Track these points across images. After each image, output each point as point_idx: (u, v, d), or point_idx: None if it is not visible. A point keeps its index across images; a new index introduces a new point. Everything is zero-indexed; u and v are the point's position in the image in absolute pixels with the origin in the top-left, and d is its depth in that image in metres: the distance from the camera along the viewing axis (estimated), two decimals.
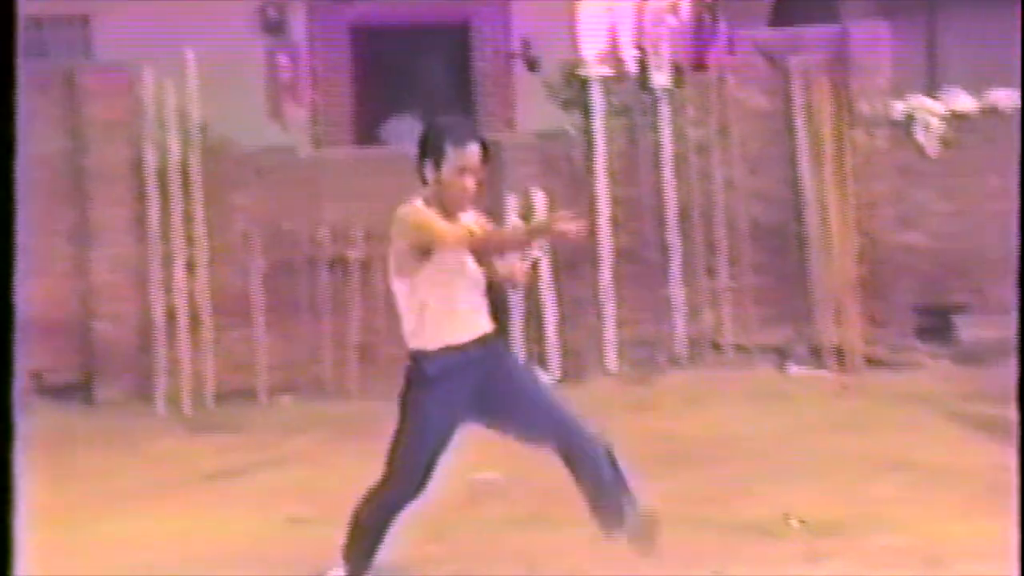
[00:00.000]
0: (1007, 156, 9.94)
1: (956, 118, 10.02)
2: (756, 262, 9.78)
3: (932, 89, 11.00)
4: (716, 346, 9.71)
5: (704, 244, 9.73)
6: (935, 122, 9.96)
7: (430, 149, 4.99)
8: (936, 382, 9.12)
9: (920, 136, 9.97)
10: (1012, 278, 10.16)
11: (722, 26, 9.65)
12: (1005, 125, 10.02)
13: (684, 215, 9.70)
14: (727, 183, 9.74)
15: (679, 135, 9.70)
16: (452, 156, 4.93)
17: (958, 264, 10.05)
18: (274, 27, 12.90)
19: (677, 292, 9.69)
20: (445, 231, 4.93)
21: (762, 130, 9.84)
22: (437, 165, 4.98)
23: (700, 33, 9.64)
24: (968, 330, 9.99)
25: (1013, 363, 9.25)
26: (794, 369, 9.51)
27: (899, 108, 9.95)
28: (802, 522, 6.29)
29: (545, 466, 7.31)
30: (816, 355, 9.63)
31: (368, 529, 5.23)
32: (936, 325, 10.01)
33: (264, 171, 9.61)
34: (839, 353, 9.63)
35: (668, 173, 9.68)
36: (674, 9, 9.57)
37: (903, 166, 9.97)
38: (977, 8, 12.12)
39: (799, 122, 9.79)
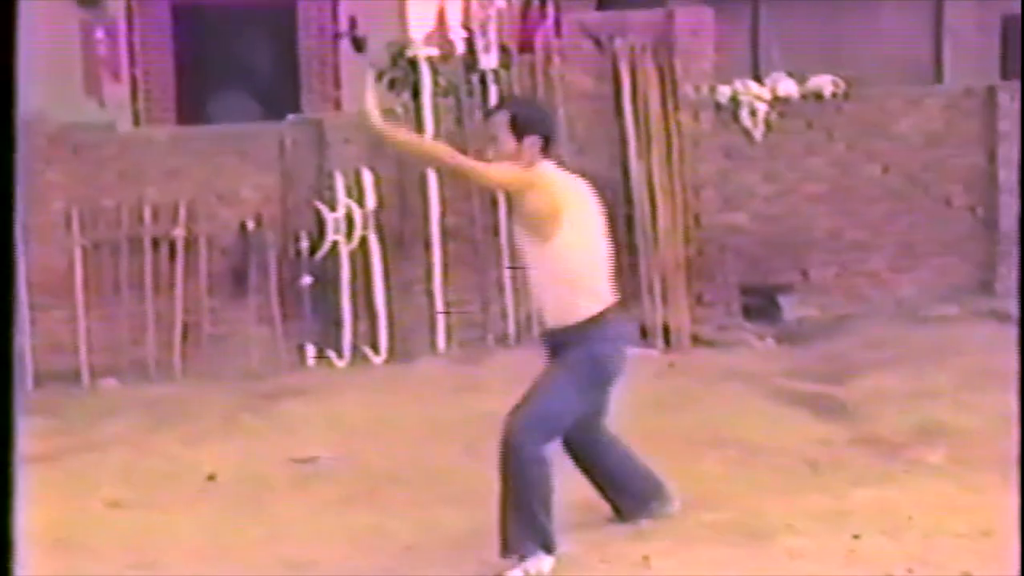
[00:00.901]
0: (828, 140, 10.23)
1: (779, 102, 10.16)
2: None
3: (756, 74, 11.17)
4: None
5: None
6: (760, 106, 10.09)
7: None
8: (760, 360, 9.26)
9: (745, 119, 10.09)
10: (834, 257, 10.40)
11: (549, 8, 9.67)
12: (826, 109, 10.23)
13: None
14: (555, 163, 9.74)
15: None
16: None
17: (782, 245, 10.23)
18: (89, 0, 12.57)
19: (506, 273, 9.69)
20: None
21: (589, 112, 9.89)
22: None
23: (527, 15, 9.65)
24: (792, 309, 10.18)
25: (835, 341, 9.51)
26: None
27: (724, 92, 10.07)
28: None
29: (373, 446, 7.33)
30: (644, 335, 9.70)
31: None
32: (761, 305, 10.17)
33: (81, 148, 9.38)
34: (666, 332, 9.73)
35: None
36: None
37: (728, 149, 10.11)
38: None
39: (626, 104, 9.85)
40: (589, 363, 5.54)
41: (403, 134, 6.27)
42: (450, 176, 6.44)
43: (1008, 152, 10.35)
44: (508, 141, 5.46)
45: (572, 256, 5.48)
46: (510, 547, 5.36)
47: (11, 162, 2.67)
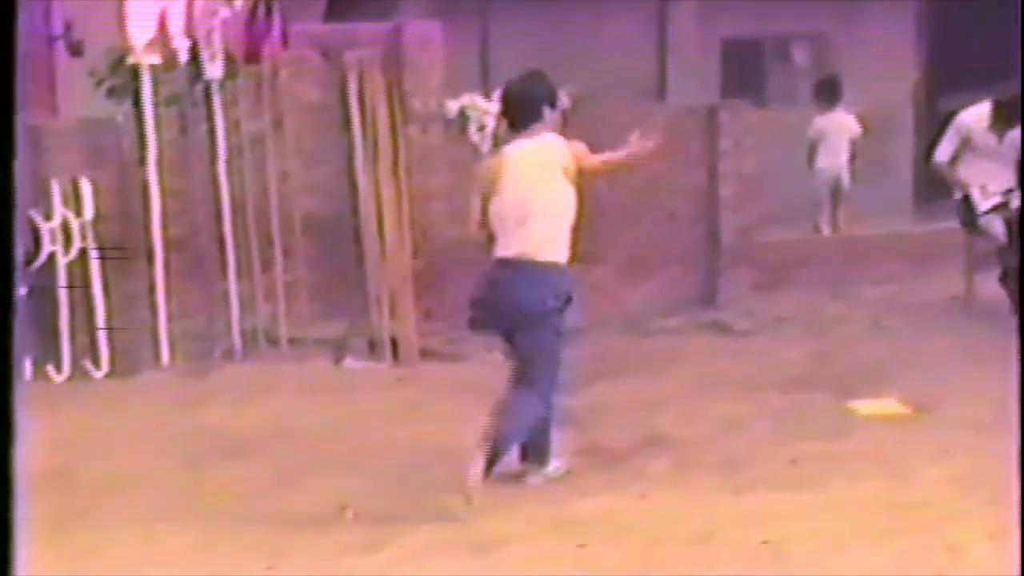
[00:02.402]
0: None
1: None
2: (312, 255, 9.72)
3: (485, 88, 11.22)
4: (272, 340, 9.59)
5: (259, 237, 9.59)
6: (488, 120, 10.14)
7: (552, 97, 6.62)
8: (488, 372, 9.25)
9: (473, 134, 10.13)
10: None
11: (276, 19, 9.52)
12: None
13: (238, 207, 9.54)
14: (282, 176, 9.63)
15: (233, 127, 9.52)
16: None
17: None
18: None
19: (231, 285, 9.51)
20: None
21: (317, 124, 9.79)
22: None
23: (253, 25, 9.48)
24: None
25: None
26: (350, 362, 9.50)
27: (453, 106, 10.09)
28: (357, 513, 6.28)
29: (91, 461, 7.09)
30: (372, 348, 9.66)
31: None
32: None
33: None
34: (394, 346, 9.69)
35: (222, 165, 9.49)
36: (228, 0, 9.38)
37: (457, 162, 10.11)
38: (528, 11, 12.47)
39: (354, 117, 9.79)
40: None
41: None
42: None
43: (728, 168, 10.64)
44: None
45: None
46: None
47: (11, 163, 2.56)
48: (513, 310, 6.57)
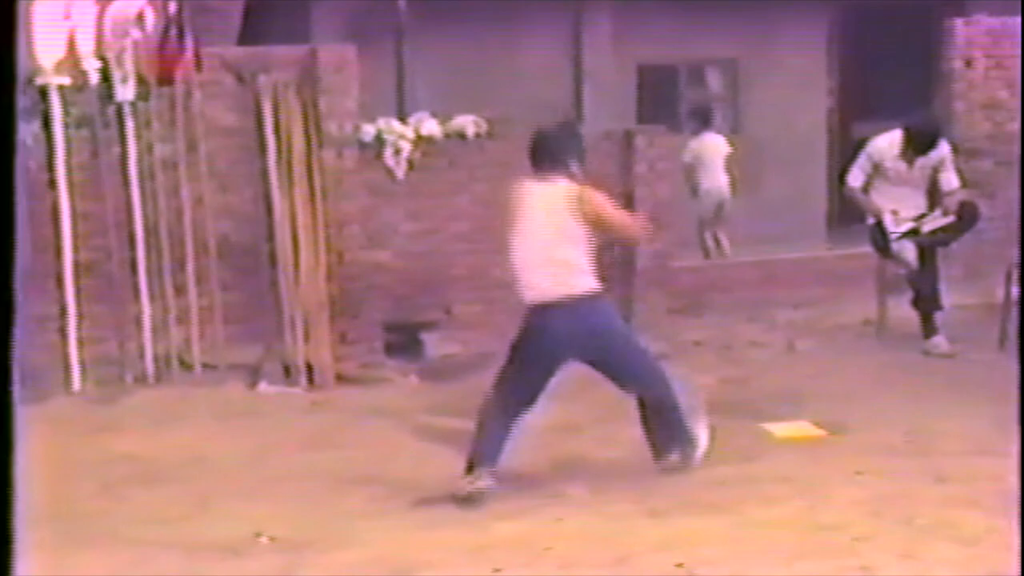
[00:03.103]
0: (471, 179, 10.34)
1: (423, 141, 10.21)
2: (226, 280, 9.62)
3: (401, 112, 11.21)
4: (185, 364, 9.48)
5: (172, 261, 9.49)
6: (404, 145, 10.12)
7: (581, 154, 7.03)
8: (403, 397, 9.27)
9: (389, 158, 10.10)
10: (477, 295, 10.51)
11: (189, 41, 9.43)
12: (469, 149, 10.33)
13: (151, 231, 9.43)
14: (196, 199, 9.54)
15: (145, 149, 9.42)
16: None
17: (426, 282, 10.27)
18: None
19: (144, 309, 9.40)
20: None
21: (231, 147, 9.71)
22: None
23: (166, 47, 9.38)
24: (435, 346, 10.23)
25: (478, 377, 9.59)
26: (264, 387, 9.41)
27: (369, 130, 10.06)
28: (272, 539, 6.23)
29: None
30: (287, 373, 9.58)
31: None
32: (405, 342, 10.19)
33: None
34: (310, 370, 9.62)
35: (134, 188, 9.38)
36: (140, 21, 9.27)
37: (372, 186, 10.09)
38: (445, 35, 12.47)
39: (269, 141, 9.72)
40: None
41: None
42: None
43: (643, 193, 10.69)
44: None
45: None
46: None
47: (11, 165, 2.50)
48: (588, 340, 6.84)
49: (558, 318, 6.77)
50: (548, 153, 6.92)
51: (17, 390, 2.84)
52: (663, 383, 7.06)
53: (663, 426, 7.06)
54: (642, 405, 7.09)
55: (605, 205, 6.92)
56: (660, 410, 7.04)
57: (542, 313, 6.80)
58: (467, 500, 6.65)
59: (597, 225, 6.88)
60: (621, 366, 7.02)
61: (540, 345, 6.84)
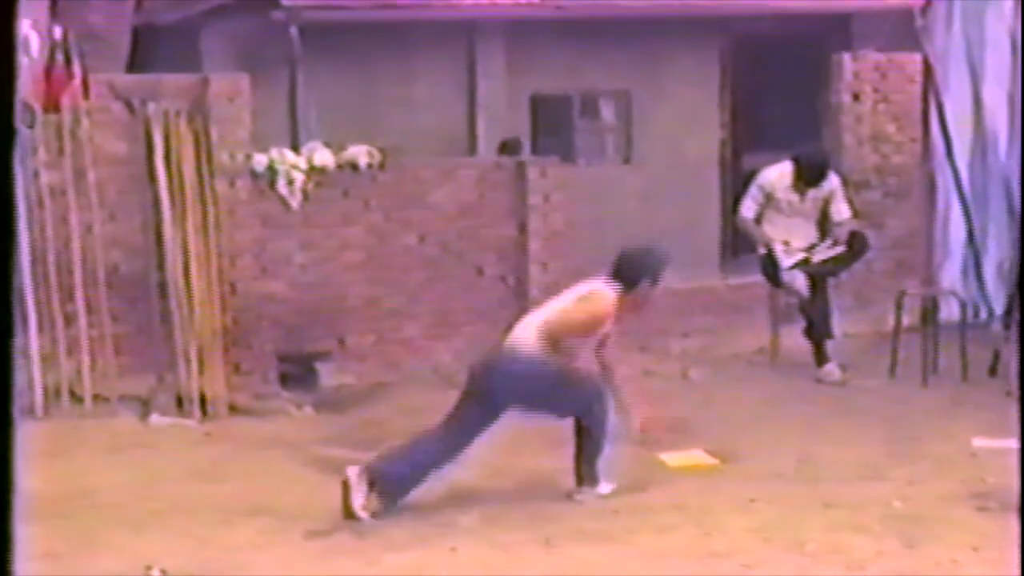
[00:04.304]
0: (364, 209, 10.32)
1: (316, 171, 10.17)
2: (116, 310, 9.50)
3: (295, 142, 11.15)
4: (74, 396, 9.34)
5: (61, 291, 9.36)
6: (297, 175, 10.07)
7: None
8: (297, 428, 9.20)
9: (282, 188, 10.05)
10: (371, 325, 10.44)
11: (77, 67, 9.33)
12: (362, 179, 10.31)
13: (39, 260, 9.29)
14: (85, 228, 9.42)
15: (31, 177, 9.29)
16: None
17: (319, 313, 10.21)
18: None
19: (32, 340, 9.25)
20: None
21: (121, 176, 9.60)
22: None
23: (52, 73, 9.27)
24: (329, 377, 10.17)
25: (373, 407, 9.57)
26: (156, 419, 9.29)
27: (261, 160, 10.00)
28: (163, 571, 6.15)
29: None
30: (180, 404, 9.46)
31: None
32: (298, 372, 10.12)
33: None
34: (202, 402, 9.51)
35: (21, 217, 9.24)
36: (25, 47, 9.14)
37: (265, 217, 10.03)
38: (338, 64, 12.43)
39: (160, 170, 9.63)
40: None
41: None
42: None
43: (537, 224, 10.73)
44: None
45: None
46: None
47: (11, 166, 2.44)
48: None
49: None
50: (628, 270, 7.31)
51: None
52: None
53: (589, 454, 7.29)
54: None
55: (610, 327, 7.30)
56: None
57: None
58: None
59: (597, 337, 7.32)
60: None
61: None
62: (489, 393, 7.09)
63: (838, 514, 6.87)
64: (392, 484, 6.93)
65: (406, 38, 12.65)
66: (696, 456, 8.16)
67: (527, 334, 7.20)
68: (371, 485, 6.87)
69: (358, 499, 6.81)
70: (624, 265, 7.32)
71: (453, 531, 6.68)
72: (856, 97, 12.10)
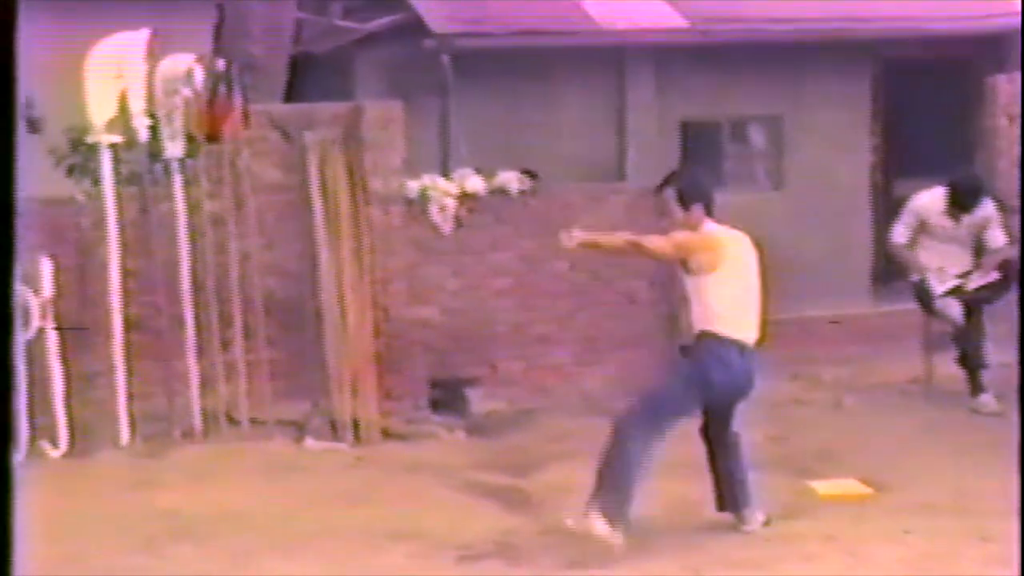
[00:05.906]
0: (515, 235, 10.40)
1: (468, 198, 10.28)
2: (272, 336, 9.69)
3: (445, 168, 11.29)
4: (232, 420, 9.53)
5: (219, 317, 9.57)
6: (448, 201, 10.18)
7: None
8: (448, 453, 9.28)
9: (434, 214, 10.17)
10: (520, 351, 10.52)
11: (237, 98, 9.55)
12: (513, 205, 10.39)
13: (199, 287, 9.52)
14: (243, 256, 9.62)
15: (193, 206, 9.53)
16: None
17: (470, 338, 10.30)
18: None
19: (192, 365, 9.48)
20: None
21: (279, 204, 9.80)
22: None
23: (215, 104, 9.50)
24: (479, 402, 10.25)
25: (521, 433, 9.62)
26: (310, 443, 9.45)
27: (414, 187, 10.13)
28: None
29: (42, 545, 7.01)
30: (333, 429, 9.61)
31: None
32: (449, 398, 10.21)
33: None
34: (355, 426, 9.65)
35: (182, 244, 9.48)
36: (189, 78, 9.40)
37: (418, 243, 10.15)
38: (488, 91, 12.57)
39: (315, 197, 9.80)
40: (692, 367, 6.92)
41: (599, 238, 7.26)
42: (634, 255, 7.96)
43: None
44: (676, 211, 6.86)
45: (719, 291, 6.78)
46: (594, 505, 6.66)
47: (12, 168, 2.57)
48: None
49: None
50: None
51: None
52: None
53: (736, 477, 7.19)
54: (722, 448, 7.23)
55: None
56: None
57: (751, 356, 6.98)
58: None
59: None
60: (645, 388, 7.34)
61: (741, 386, 7.06)
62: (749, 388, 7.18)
63: (994, 549, 6.74)
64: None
65: (555, 64, 12.75)
66: (848, 485, 8.07)
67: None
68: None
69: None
70: (685, 185, 7.07)
71: (602, 559, 6.69)
72: (1011, 120, 11.89)
